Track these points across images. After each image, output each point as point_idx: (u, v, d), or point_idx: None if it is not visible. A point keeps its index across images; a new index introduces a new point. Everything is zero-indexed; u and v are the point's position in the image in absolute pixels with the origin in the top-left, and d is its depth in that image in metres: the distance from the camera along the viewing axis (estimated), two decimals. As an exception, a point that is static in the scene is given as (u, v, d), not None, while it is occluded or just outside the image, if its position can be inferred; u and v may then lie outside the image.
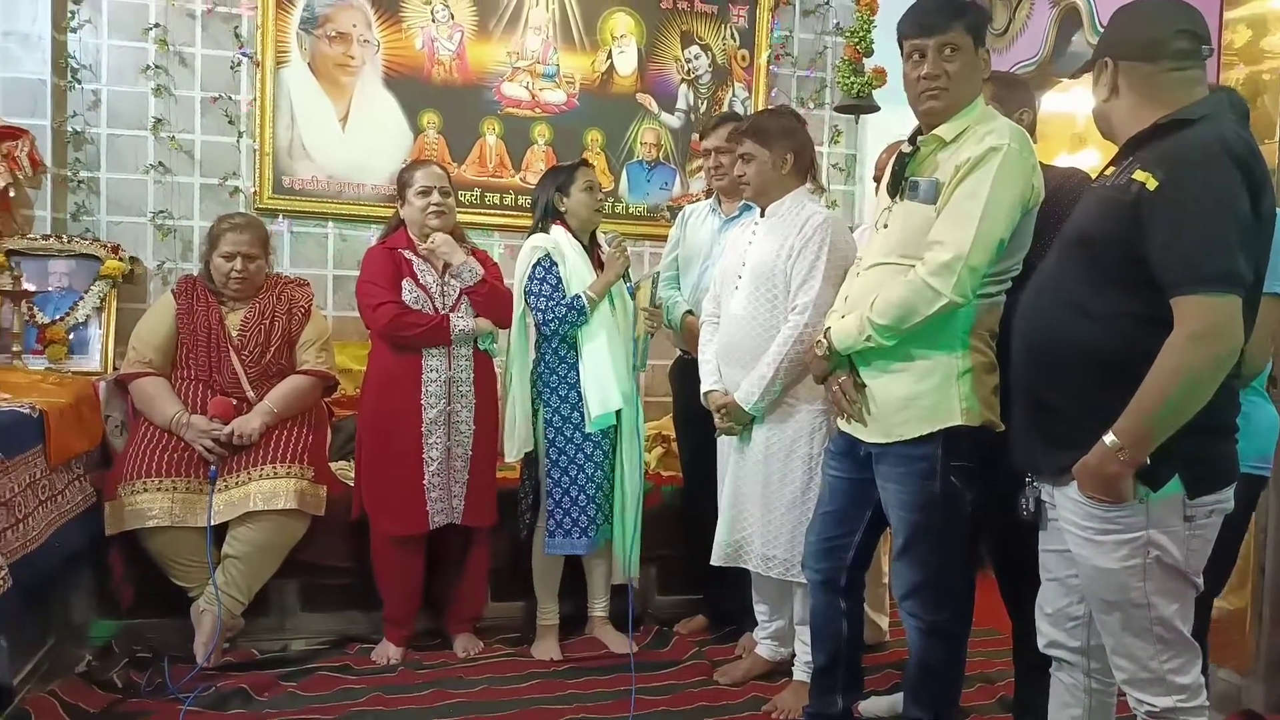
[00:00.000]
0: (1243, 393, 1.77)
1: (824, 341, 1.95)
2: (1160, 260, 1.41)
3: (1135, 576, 1.47)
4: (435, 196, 2.60)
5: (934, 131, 1.83)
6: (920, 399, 1.81)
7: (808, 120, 2.51)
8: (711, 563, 2.43)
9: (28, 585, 2.07)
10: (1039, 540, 1.70)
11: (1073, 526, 1.54)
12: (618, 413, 2.63)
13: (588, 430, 2.61)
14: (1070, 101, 4.13)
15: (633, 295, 2.67)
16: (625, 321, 2.67)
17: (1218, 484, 1.49)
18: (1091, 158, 4.07)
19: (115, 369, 2.89)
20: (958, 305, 1.74)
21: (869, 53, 3.34)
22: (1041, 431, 1.60)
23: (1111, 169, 1.57)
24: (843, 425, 1.99)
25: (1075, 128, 4.30)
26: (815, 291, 2.20)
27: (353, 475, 2.73)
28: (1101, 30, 3.19)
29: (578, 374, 2.62)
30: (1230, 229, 1.38)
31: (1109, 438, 1.43)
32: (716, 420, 2.40)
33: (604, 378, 2.57)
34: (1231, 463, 1.52)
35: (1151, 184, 1.42)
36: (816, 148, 2.76)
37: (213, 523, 2.45)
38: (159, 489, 2.45)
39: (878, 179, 2.79)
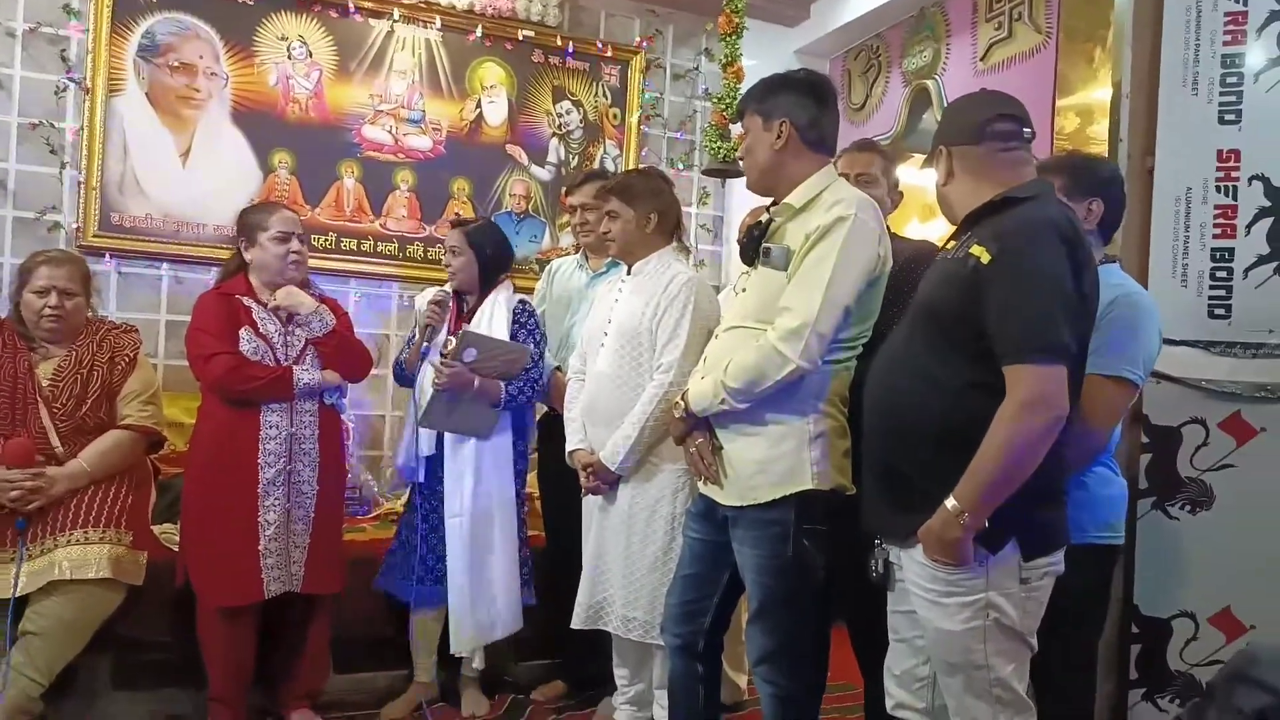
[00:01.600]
0: (1091, 466, 1.85)
1: (681, 403, 1.95)
2: (994, 331, 1.49)
3: (976, 639, 1.53)
4: (294, 244, 2.44)
5: (786, 200, 1.88)
6: (774, 463, 1.83)
7: (677, 181, 2.54)
8: (572, 625, 2.35)
9: None
10: (887, 602, 1.74)
11: (918, 589, 1.59)
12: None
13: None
14: (922, 174, 4.38)
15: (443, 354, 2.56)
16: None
17: (1050, 547, 1.57)
18: (942, 227, 4.32)
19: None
20: (805, 371, 1.76)
21: (735, 119, 3.44)
22: (889, 496, 1.64)
23: (952, 243, 1.67)
24: (701, 487, 1.99)
25: (926, 198, 4.56)
26: (679, 351, 2.20)
27: (178, 539, 2.50)
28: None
29: None
30: (1057, 304, 1.48)
31: (950, 502, 1.49)
32: (582, 479, 2.34)
33: (408, 434, 2.66)
34: (1062, 526, 1.60)
35: (986, 258, 1.51)
36: (684, 208, 2.79)
37: (15, 594, 2.18)
38: None
39: (741, 242, 2.85)
